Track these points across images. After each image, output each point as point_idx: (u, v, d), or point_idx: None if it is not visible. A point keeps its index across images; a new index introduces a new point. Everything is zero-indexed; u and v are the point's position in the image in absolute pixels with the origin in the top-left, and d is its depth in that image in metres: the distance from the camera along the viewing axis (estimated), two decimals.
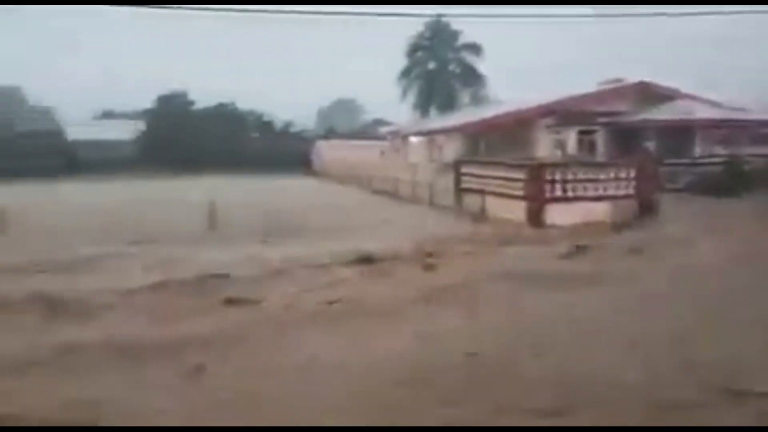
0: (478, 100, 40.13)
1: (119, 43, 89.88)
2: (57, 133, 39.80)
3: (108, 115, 53.36)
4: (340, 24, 57.53)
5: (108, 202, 19.46)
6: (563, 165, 15.61)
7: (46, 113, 54.68)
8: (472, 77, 41.34)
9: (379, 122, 45.85)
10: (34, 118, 49.18)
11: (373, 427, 3.86)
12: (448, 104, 39.60)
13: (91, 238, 12.11)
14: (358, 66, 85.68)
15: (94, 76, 75.97)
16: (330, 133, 43.77)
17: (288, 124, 43.50)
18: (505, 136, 21.00)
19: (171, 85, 47.72)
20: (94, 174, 32.10)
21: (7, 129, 37.79)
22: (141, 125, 40.31)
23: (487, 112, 25.75)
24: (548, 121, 22.16)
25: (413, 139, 28.95)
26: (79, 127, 41.95)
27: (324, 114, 66.05)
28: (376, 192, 24.21)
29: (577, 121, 22.14)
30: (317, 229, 13.24)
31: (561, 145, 22.26)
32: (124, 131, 40.17)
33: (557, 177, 14.27)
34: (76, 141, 38.92)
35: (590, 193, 14.37)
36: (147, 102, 41.70)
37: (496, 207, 14.91)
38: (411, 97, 41.37)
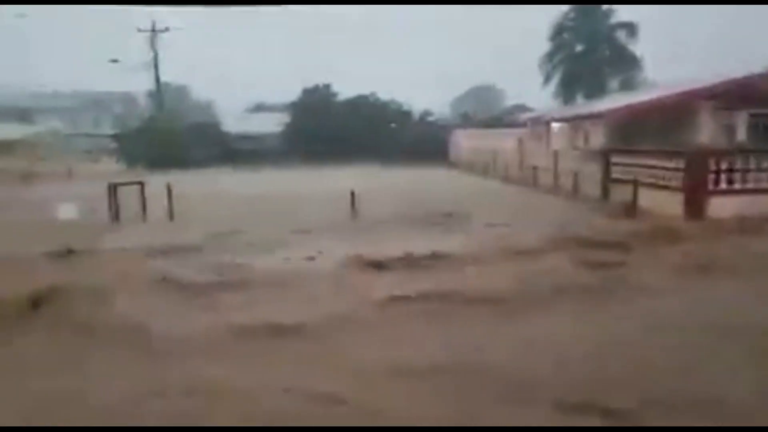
0: (631, 83, 37.21)
1: (272, 39, 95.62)
2: (215, 126, 43.34)
3: (259, 107, 57.16)
4: (479, 7, 56.27)
5: (257, 191, 20.78)
6: (729, 153, 13.99)
7: (206, 107, 59.99)
8: (625, 59, 38.32)
9: (519, 108, 44.28)
10: (196, 112, 54.16)
11: (373, 427, 3.79)
12: (597, 89, 37.10)
13: (248, 225, 12.97)
14: (497, 50, 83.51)
15: (249, 71, 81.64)
16: (466, 121, 43.15)
17: (425, 113, 43.54)
18: (661, 122, 19.18)
19: (316, 77, 49.77)
20: (244, 164, 34.59)
21: (174, 123, 41.83)
22: (286, 117, 42.63)
23: (641, 97, 23.75)
24: (712, 104, 19.89)
25: (556, 126, 27.56)
26: (233, 120, 45.51)
27: (461, 101, 65.26)
28: (513, 181, 23.49)
29: (749, 104, 19.62)
30: (450, 221, 13.04)
31: (728, 131, 19.90)
32: (272, 123, 42.79)
33: (721, 166, 12.88)
34: (230, 133, 42.23)
35: (764, 184, 12.80)
36: (293, 95, 43.98)
37: (648, 199, 13.71)
38: (554, 82, 39.44)
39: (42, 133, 42.18)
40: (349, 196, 14.82)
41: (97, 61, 59.58)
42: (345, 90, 42.74)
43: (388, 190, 19.05)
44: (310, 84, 43.22)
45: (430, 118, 43.57)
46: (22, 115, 46.86)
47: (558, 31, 39.48)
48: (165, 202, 14.71)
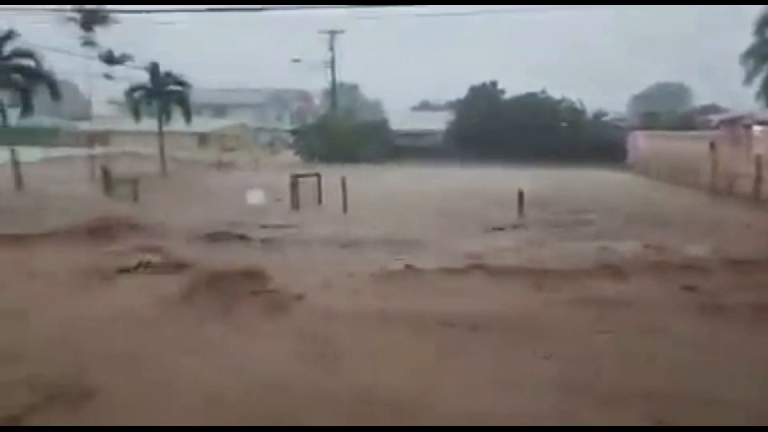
0: None
1: (439, 40, 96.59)
2: (382, 124, 44.75)
3: (424, 106, 57.99)
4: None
5: (422, 187, 20.96)
6: None
7: (374, 106, 62.31)
8: None
9: (710, 109, 39.74)
10: (365, 110, 56.48)
11: (373, 427, 3.72)
12: None
13: (412, 221, 13.13)
14: (687, 46, 76.15)
15: (416, 70, 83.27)
16: (647, 121, 39.72)
17: (600, 112, 40.91)
18: None
19: (482, 75, 49.30)
20: (410, 161, 35.24)
21: (346, 121, 44.00)
22: (451, 115, 42.68)
23: None
24: None
25: (758, 129, 24.29)
26: (399, 118, 46.62)
27: (640, 100, 60.30)
28: (701, 188, 21.19)
29: None
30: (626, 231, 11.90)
31: None
32: (438, 121, 43.13)
33: None
34: (397, 130, 43.34)
35: None
36: (460, 93, 43.89)
37: None
38: (758, 81, 34.57)
39: (232, 126, 46.80)
40: (514, 197, 14.36)
41: (280, 60, 64.79)
42: (513, 88, 41.77)
43: (558, 192, 18.17)
44: (476, 82, 42.83)
45: (605, 118, 40.86)
46: (217, 110, 52.41)
47: (765, 23, 34.53)
48: (338, 193, 15.42)
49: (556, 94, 40.67)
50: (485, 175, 25.24)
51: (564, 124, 38.74)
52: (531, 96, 40.51)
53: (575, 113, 39.96)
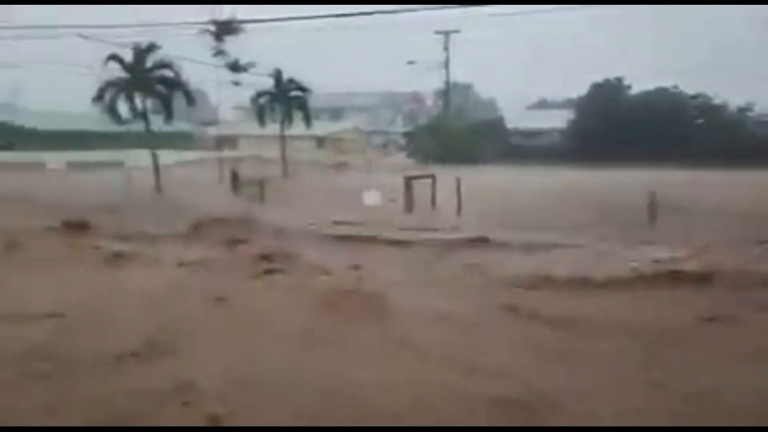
0: None
1: (560, 36, 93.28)
2: (497, 123, 43.79)
3: (542, 104, 56.03)
4: None
5: (541, 191, 20.08)
6: None
7: (488, 105, 61.19)
8: None
9: None
10: (479, 109, 55.65)
11: (373, 427, 3.74)
12: None
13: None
14: None
15: (533, 68, 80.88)
16: None
17: (744, 107, 37.10)
18: None
19: (606, 71, 46.59)
20: (527, 161, 34.11)
21: (459, 120, 43.58)
22: (571, 113, 40.84)
23: None
24: None
25: None
26: (515, 117, 45.38)
27: None
28: None
29: None
30: None
31: None
32: (556, 120, 41.43)
33: None
34: (512, 130, 42.21)
35: None
36: (581, 90, 41.89)
37: None
38: None
39: (347, 129, 48.04)
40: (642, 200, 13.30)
41: (394, 62, 65.41)
42: (641, 83, 39.09)
43: (692, 196, 16.59)
44: (599, 78, 40.62)
45: (751, 113, 36.96)
46: (333, 113, 54.02)
47: None
48: (452, 195, 15.19)
49: (690, 89, 37.57)
50: (609, 177, 23.74)
51: (700, 121, 35.67)
52: (661, 91, 37.75)
53: (712, 109, 36.65)
